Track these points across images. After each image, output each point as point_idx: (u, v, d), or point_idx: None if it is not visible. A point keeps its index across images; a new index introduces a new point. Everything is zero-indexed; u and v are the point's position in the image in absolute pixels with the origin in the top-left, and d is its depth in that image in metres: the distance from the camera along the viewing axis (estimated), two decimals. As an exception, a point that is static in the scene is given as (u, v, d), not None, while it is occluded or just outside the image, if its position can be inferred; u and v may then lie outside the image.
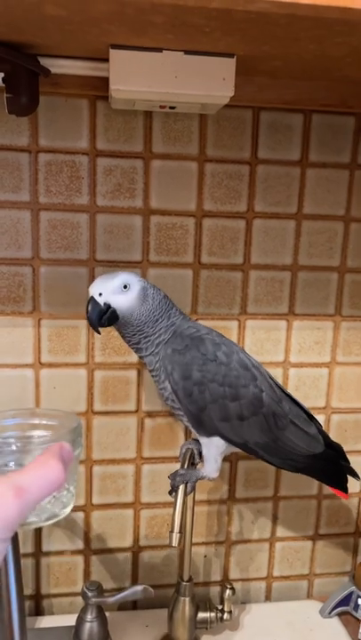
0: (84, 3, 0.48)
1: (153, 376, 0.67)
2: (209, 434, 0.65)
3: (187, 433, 0.84)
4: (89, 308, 0.62)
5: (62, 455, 0.34)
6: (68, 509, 0.47)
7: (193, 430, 0.67)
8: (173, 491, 0.67)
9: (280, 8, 0.41)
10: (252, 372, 0.65)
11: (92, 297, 0.62)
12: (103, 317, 0.62)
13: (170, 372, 0.63)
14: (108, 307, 0.62)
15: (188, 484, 0.66)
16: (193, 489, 0.68)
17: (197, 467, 0.70)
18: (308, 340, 0.84)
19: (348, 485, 0.73)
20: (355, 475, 0.74)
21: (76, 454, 0.47)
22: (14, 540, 0.51)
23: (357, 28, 0.51)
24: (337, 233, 0.82)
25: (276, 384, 0.68)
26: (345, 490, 0.73)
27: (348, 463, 0.73)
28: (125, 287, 0.62)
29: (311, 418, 0.71)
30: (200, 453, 0.70)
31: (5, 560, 0.51)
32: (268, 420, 0.64)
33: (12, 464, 0.44)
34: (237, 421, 0.63)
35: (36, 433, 0.56)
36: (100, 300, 0.62)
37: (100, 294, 0.62)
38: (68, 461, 0.36)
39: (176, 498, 0.63)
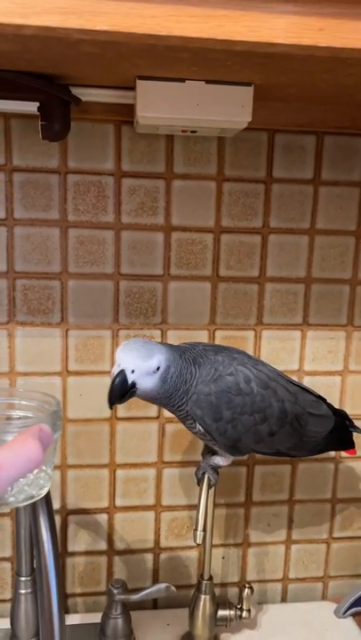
0: (118, 42, 0.53)
1: (179, 417, 0.68)
2: (243, 454, 0.69)
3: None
4: (116, 383, 0.58)
5: (41, 436, 0.36)
6: (45, 491, 0.47)
7: (226, 453, 0.71)
8: (199, 481, 0.71)
9: (300, 50, 0.45)
10: (271, 387, 0.66)
11: (124, 372, 0.58)
12: (125, 396, 0.59)
13: (200, 416, 0.63)
14: (133, 386, 0.59)
15: (209, 475, 0.70)
16: (216, 480, 0.72)
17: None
18: (321, 350, 0.88)
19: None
20: (359, 430, 0.78)
21: (55, 437, 0.49)
22: (53, 534, 0.55)
23: (368, 62, 0.55)
24: (348, 247, 0.86)
25: (287, 379, 0.70)
26: (353, 446, 0.78)
27: (353, 422, 0.78)
28: (157, 369, 0.59)
29: (318, 397, 0.74)
30: (212, 469, 0.74)
31: (45, 555, 0.55)
32: (294, 425, 0.68)
33: None
34: (269, 438, 0.66)
35: (16, 413, 0.55)
36: (130, 378, 0.58)
37: (133, 371, 0.58)
38: (47, 443, 0.37)
39: (200, 496, 0.67)
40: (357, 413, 0.91)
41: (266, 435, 0.66)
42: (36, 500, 0.47)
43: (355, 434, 0.78)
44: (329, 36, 0.44)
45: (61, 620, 0.54)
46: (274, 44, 0.44)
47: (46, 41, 0.53)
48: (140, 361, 0.58)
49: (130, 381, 0.58)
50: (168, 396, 0.62)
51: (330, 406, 0.75)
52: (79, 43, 0.53)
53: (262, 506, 0.91)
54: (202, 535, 0.65)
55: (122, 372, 0.58)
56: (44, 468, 0.46)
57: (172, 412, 0.68)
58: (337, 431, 0.75)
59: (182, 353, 0.64)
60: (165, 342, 0.66)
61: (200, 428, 0.65)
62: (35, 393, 0.56)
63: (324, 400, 0.75)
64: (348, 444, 0.78)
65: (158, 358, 0.59)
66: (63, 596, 0.89)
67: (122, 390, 0.58)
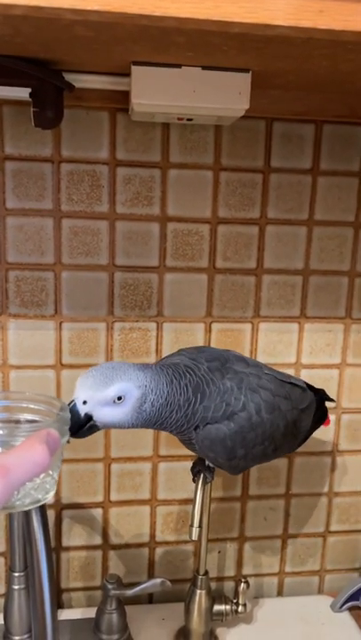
0: (112, 25, 0.51)
1: (182, 441, 0.65)
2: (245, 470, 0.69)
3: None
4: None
5: (48, 441, 0.36)
6: (50, 495, 0.47)
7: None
8: (195, 478, 0.70)
9: (299, 32, 0.44)
10: (276, 407, 0.63)
11: (74, 402, 0.53)
12: (81, 430, 0.54)
13: (213, 458, 0.62)
14: (89, 418, 0.54)
15: (205, 472, 0.69)
16: (212, 477, 0.71)
17: None
18: (319, 342, 0.87)
19: None
20: (331, 399, 0.78)
21: (63, 442, 0.49)
22: (45, 530, 0.54)
23: (368, 47, 0.54)
24: (347, 238, 0.84)
25: (280, 379, 0.68)
26: (327, 416, 0.77)
27: (327, 395, 0.77)
28: (120, 399, 0.53)
29: (302, 384, 0.73)
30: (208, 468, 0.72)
31: (38, 551, 0.54)
32: (293, 432, 0.67)
33: None
34: (273, 454, 0.66)
35: (24, 416, 0.55)
36: (82, 410, 0.53)
37: (85, 402, 0.53)
38: (55, 448, 0.37)
39: (196, 493, 0.66)
40: (356, 407, 0.90)
41: (270, 452, 0.65)
42: (41, 503, 0.47)
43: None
44: (329, 18, 0.43)
45: (54, 617, 0.53)
46: (272, 26, 0.43)
47: (38, 23, 0.51)
48: (92, 391, 0.53)
49: (82, 413, 0.53)
50: (159, 424, 0.58)
51: (310, 387, 0.74)
52: (72, 25, 0.51)
53: (259, 500, 0.91)
54: (197, 532, 0.65)
55: (72, 403, 0.54)
56: (50, 472, 0.46)
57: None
58: (318, 412, 0.74)
59: (178, 377, 0.58)
60: (157, 364, 0.61)
61: (212, 464, 0.64)
62: (43, 397, 0.55)
63: (305, 383, 0.73)
64: (324, 417, 0.77)
65: (120, 387, 0.53)
66: (57, 592, 0.88)
67: (73, 423, 0.53)
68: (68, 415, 0.51)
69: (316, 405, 0.73)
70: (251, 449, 0.62)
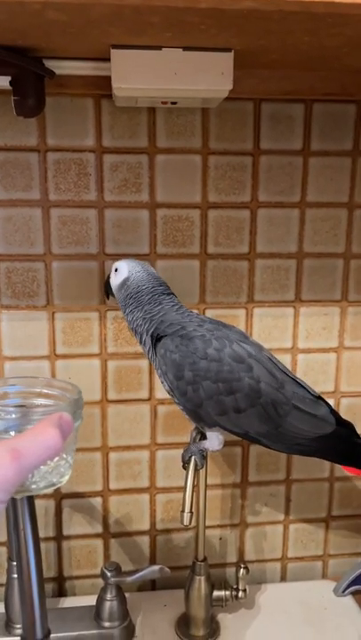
0: (83, 7, 0.50)
1: (158, 374, 0.69)
2: (209, 426, 0.67)
3: (199, 419, 0.86)
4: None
5: (61, 424, 0.36)
6: (65, 479, 0.48)
7: (193, 423, 0.69)
8: (185, 464, 0.70)
9: (267, 5, 0.43)
10: (247, 363, 0.64)
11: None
12: (107, 283, 0.74)
13: (165, 371, 0.65)
14: (108, 278, 0.74)
15: (197, 459, 0.68)
16: (203, 464, 0.70)
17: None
18: (315, 326, 0.86)
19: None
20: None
21: (76, 426, 0.49)
22: (33, 521, 0.54)
23: (350, 20, 0.52)
24: (341, 220, 0.83)
25: (280, 368, 0.67)
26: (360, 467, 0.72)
27: (354, 429, 0.72)
28: (116, 270, 0.72)
29: (319, 398, 0.70)
30: (200, 452, 0.71)
31: (25, 541, 0.54)
32: (268, 410, 0.65)
33: (12, 431, 0.46)
34: (235, 414, 0.64)
35: (38, 401, 0.56)
36: (111, 275, 0.73)
37: (116, 270, 0.72)
38: (67, 431, 0.37)
39: (186, 478, 0.66)
40: (354, 390, 0.89)
41: (230, 409, 0.64)
42: (57, 487, 0.47)
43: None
44: (299, -11, 0.41)
45: (42, 604, 0.53)
46: (238, 0, 0.41)
47: (8, 8, 0.50)
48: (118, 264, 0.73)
49: (111, 277, 0.73)
50: (125, 306, 0.70)
51: (335, 414, 0.70)
52: (43, 9, 0.51)
53: (258, 486, 0.90)
54: (189, 517, 0.64)
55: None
56: (64, 455, 0.47)
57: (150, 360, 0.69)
58: (336, 441, 0.69)
59: (162, 294, 0.69)
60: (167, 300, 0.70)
61: (166, 384, 0.66)
62: (56, 381, 0.57)
63: (328, 405, 0.70)
64: (355, 463, 0.71)
65: (119, 264, 0.72)
66: (59, 580, 0.89)
67: (105, 281, 0.75)
68: (82, 399, 0.53)
69: (334, 434, 0.69)
70: (201, 380, 0.63)
